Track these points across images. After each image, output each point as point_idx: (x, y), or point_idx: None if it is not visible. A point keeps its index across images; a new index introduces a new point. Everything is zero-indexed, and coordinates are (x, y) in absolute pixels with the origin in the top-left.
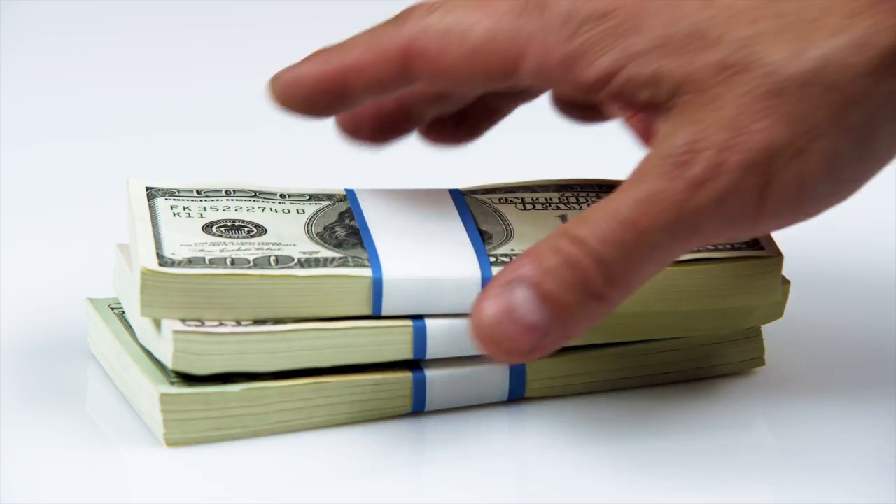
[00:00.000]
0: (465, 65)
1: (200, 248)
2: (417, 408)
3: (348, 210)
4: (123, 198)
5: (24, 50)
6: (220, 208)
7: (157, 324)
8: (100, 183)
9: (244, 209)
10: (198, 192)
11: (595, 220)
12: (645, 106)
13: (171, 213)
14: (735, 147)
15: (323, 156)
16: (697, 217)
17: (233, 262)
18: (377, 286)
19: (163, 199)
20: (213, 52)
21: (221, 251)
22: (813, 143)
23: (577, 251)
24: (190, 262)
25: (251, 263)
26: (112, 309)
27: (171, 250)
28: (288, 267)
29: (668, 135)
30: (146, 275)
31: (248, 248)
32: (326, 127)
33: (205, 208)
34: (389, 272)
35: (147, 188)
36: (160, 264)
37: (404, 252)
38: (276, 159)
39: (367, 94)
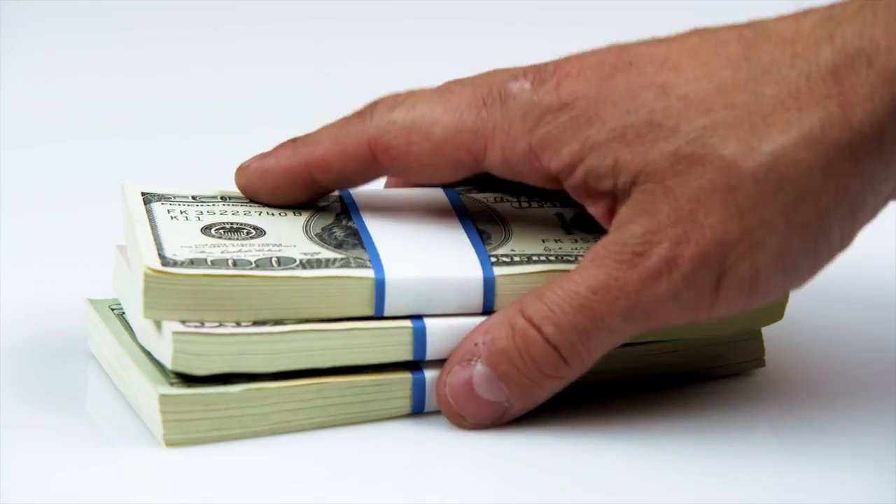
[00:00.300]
0: (430, 159)
1: (201, 249)
2: (417, 408)
3: (345, 211)
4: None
5: (24, 50)
6: (217, 212)
7: (158, 325)
8: (100, 184)
9: (241, 213)
10: (193, 197)
11: (552, 303)
12: (606, 194)
13: (168, 216)
14: (689, 241)
15: None
16: (653, 306)
17: (235, 264)
18: (380, 287)
19: (159, 203)
20: (213, 52)
21: (222, 252)
22: (765, 238)
23: (533, 335)
24: (192, 262)
25: (253, 264)
26: (112, 310)
27: (173, 251)
28: (290, 268)
29: (626, 221)
30: (150, 275)
31: (249, 250)
32: None
33: (202, 212)
34: (392, 273)
35: (143, 193)
36: (163, 264)
37: (405, 252)
38: None
39: (335, 186)
